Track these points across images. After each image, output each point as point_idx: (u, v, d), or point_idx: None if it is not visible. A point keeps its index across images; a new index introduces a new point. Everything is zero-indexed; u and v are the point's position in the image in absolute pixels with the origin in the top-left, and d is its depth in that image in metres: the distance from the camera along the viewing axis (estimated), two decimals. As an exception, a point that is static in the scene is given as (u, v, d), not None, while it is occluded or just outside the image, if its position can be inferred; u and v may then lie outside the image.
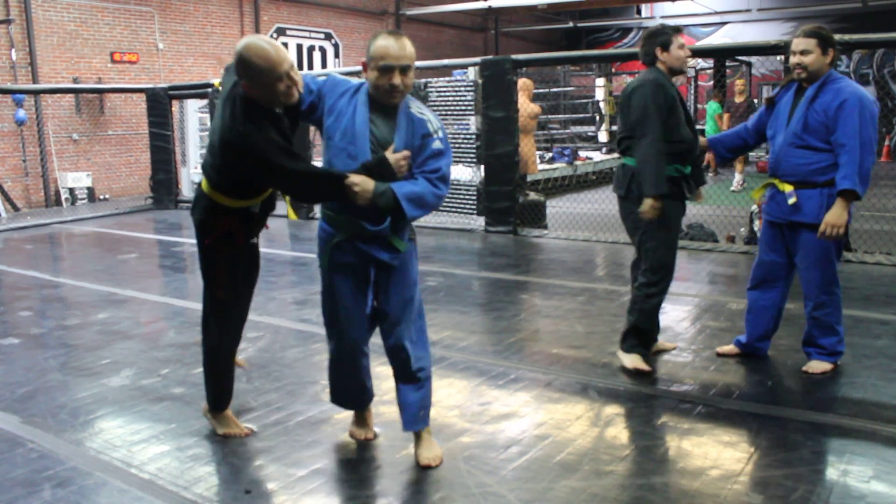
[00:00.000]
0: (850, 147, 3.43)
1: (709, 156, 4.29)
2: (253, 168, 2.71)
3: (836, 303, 3.72)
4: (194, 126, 11.88)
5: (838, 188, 3.46)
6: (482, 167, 8.36)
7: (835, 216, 3.49)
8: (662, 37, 3.74)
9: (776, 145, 3.70)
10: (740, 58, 15.25)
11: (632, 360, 3.84)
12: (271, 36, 16.06)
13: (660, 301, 3.83)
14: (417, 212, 2.69)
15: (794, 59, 3.58)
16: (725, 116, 12.27)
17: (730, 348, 4.05)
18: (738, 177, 11.86)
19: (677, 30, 3.79)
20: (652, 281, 3.79)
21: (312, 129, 10.45)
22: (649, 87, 3.63)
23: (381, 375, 3.87)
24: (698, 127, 13.33)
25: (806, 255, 3.67)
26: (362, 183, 2.61)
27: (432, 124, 2.73)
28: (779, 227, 3.76)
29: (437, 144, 2.71)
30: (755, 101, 12.45)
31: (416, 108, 2.74)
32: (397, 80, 2.62)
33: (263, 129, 2.65)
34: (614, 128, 14.07)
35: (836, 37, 6.10)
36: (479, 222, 8.46)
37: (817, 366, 3.74)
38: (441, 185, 2.72)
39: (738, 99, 12.13)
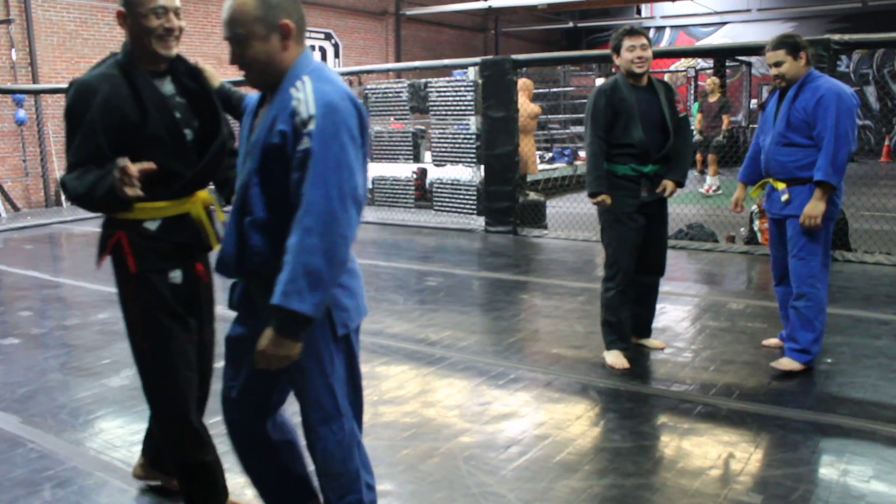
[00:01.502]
0: (826, 139, 3.55)
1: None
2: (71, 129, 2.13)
3: (818, 298, 3.71)
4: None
5: (814, 179, 3.58)
6: (482, 167, 8.36)
7: (811, 206, 3.60)
8: (614, 42, 3.89)
9: (765, 146, 3.83)
10: (740, 58, 15.25)
11: (611, 357, 3.95)
12: (271, 36, 16.04)
13: (615, 294, 3.93)
14: (310, 302, 1.75)
15: (772, 72, 3.73)
16: (698, 117, 12.05)
17: (775, 341, 4.13)
18: (709, 180, 11.56)
19: (628, 32, 3.84)
20: (607, 276, 3.99)
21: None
22: (593, 94, 3.92)
23: (381, 375, 3.88)
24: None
25: (792, 245, 3.75)
26: None
27: (302, 108, 1.79)
28: (777, 223, 3.88)
29: (304, 144, 1.77)
30: (730, 99, 12.13)
31: (300, 85, 1.83)
32: (231, 57, 1.90)
33: (114, 84, 2.15)
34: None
35: (836, 37, 6.18)
36: (479, 222, 8.46)
37: (786, 363, 3.75)
38: (313, 237, 1.73)
39: (712, 98, 11.82)
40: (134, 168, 2.03)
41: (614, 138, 3.86)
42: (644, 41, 3.82)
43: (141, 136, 2.18)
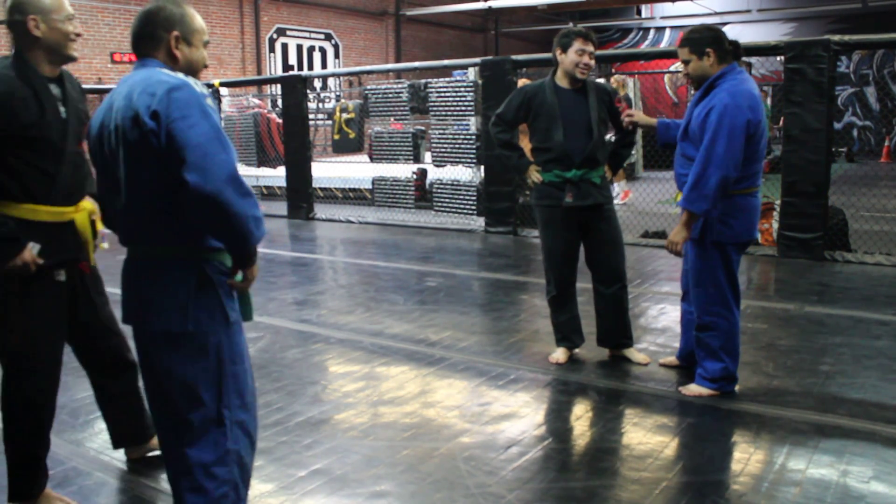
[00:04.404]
0: (697, 159, 3.22)
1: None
2: None
3: (723, 329, 3.40)
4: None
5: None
6: (482, 167, 8.37)
7: (673, 232, 3.35)
8: (564, 39, 3.78)
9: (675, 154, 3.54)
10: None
11: (554, 354, 4.04)
12: (271, 37, 16.09)
13: (551, 298, 3.99)
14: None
15: (682, 70, 3.46)
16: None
17: (671, 360, 3.91)
18: (617, 186, 10.31)
19: (583, 35, 3.74)
20: (546, 279, 4.05)
21: (312, 127, 10.47)
22: (512, 93, 4.02)
23: (381, 375, 3.88)
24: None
25: (692, 272, 3.46)
26: None
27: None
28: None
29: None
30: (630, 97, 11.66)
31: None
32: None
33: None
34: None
35: (836, 37, 6.17)
36: (479, 223, 8.46)
37: (694, 388, 3.50)
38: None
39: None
40: (34, 266, 2.35)
41: (536, 142, 3.88)
42: (593, 49, 3.75)
43: (28, 137, 2.34)
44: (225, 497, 2.05)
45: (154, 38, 2.03)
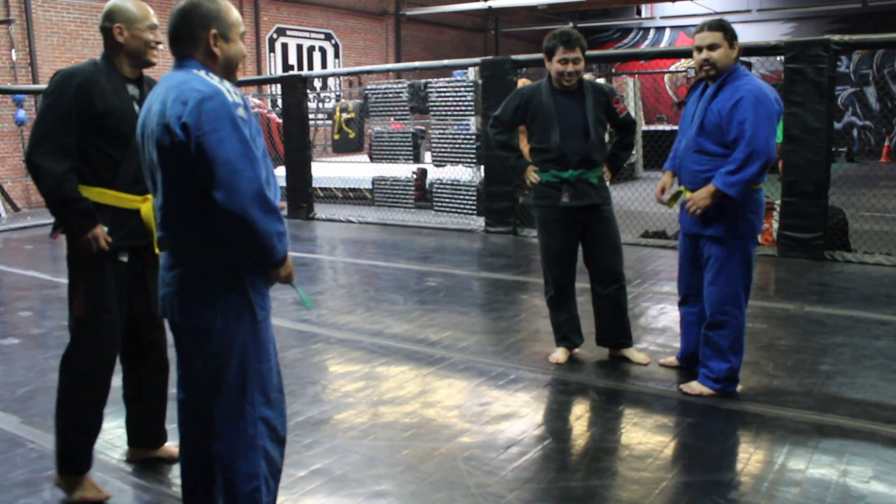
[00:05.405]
0: (739, 148, 3.22)
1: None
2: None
3: (735, 327, 3.41)
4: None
5: (711, 181, 3.29)
6: (482, 167, 8.37)
7: (699, 195, 3.32)
8: (548, 44, 3.78)
9: (680, 150, 3.53)
10: (741, 58, 15.27)
11: (554, 354, 4.04)
12: (271, 36, 16.09)
13: (549, 299, 4.01)
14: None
15: (700, 56, 3.37)
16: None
17: (671, 360, 3.91)
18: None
19: (564, 42, 3.70)
20: (544, 280, 4.06)
21: (312, 127, 10.47)
22: (509, 95, 4.03)
23: (381, 375, 3.88)
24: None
25: (708, 269, 3.46)
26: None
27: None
28: (691, 238, 3.57)
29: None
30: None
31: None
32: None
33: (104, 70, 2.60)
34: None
35: (836, 37, 6.18)
36: (479, 223, 8.46)
37: (696, 387, 3.50)
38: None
39: None
40: (104, 242, 2.59)
41: (534, 143, 3.91)
42: (577, 55, 3.71)
43: (103, 125, 2.57)
44: (257, 491, 2.10)
45: (193, 38, 2.03)
